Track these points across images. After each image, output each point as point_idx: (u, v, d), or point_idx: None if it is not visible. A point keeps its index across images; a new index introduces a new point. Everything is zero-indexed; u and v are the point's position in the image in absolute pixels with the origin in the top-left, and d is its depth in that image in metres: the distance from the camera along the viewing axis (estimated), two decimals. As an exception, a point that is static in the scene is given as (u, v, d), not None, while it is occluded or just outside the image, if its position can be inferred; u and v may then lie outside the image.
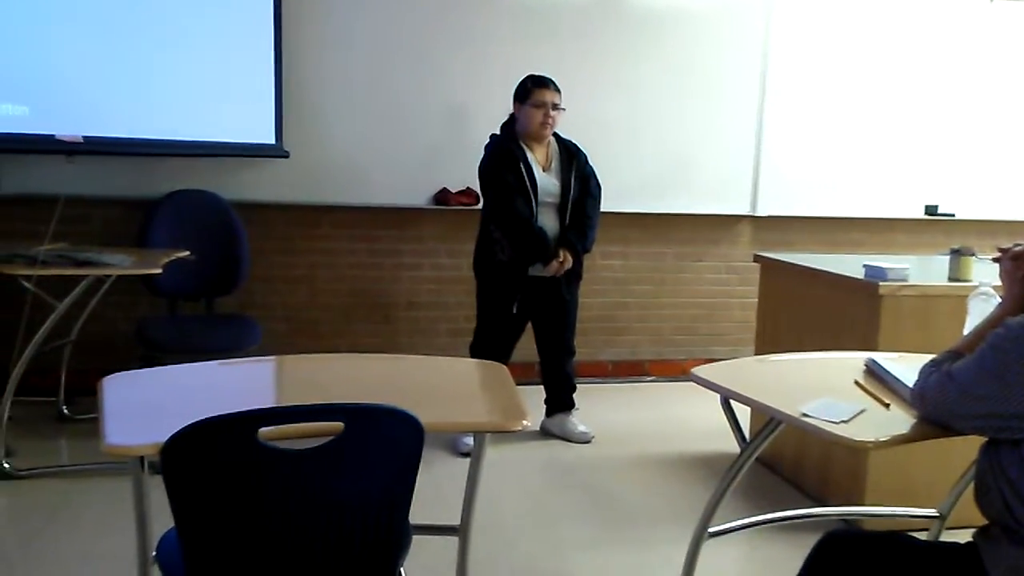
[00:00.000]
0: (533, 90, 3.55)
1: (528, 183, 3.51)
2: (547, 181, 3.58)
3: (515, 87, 3.60)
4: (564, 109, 3.60)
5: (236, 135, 4.03)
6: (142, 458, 1.50)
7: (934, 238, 4.89)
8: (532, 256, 3.55)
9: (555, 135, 3.66)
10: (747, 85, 4.70)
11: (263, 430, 1.37)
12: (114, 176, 4.04)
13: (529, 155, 3.58)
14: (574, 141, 3.70)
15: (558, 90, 3.58)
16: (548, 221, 3.58)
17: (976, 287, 2.07)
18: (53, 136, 3.67)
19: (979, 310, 1.97)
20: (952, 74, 4.91)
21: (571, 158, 3.63)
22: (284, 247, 4.35)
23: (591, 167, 3.69)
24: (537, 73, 3.62)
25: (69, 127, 3.69)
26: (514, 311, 3.59)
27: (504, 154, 3.55)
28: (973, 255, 3.00)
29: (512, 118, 3.64)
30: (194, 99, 3.93)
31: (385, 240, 4.47)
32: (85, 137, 3.71)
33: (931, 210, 4.97)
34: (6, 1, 3.61)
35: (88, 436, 3.40)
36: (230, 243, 4.00)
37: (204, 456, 1.36)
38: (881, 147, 4.88)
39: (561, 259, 3.55)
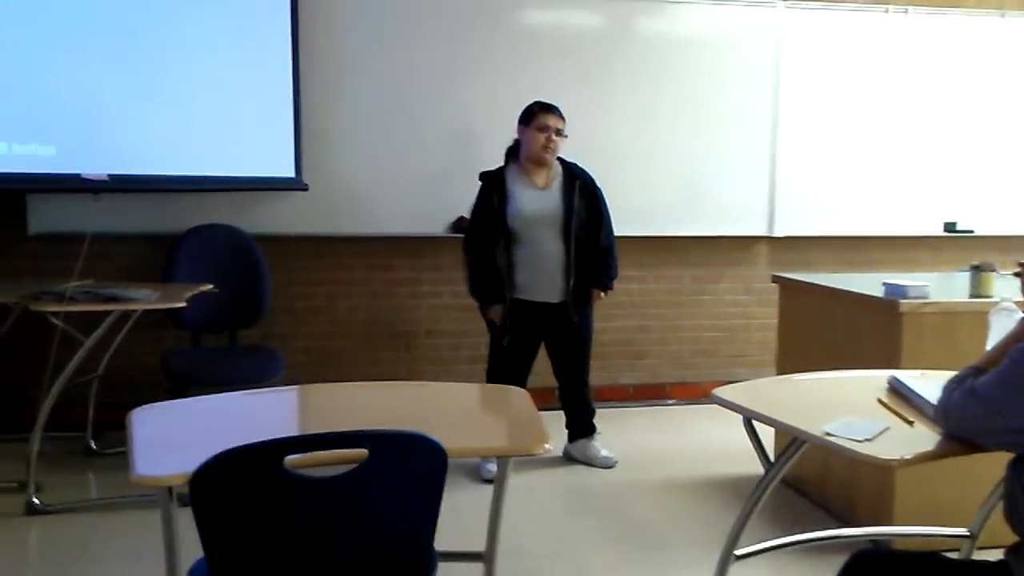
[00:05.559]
0: (538, 113, 3.60)
1: (506, 210, 3.55)
2: (545, 201, 3.60)
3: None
4: (567, 136, 3.64)
5: (256, 169, 4.10)
6: (170, 488, 1.52)
7: (954, 255, 4.85)
8: (478, 295, 3.64)
9: (561, 160, 3.69)
10: (760, 105, 4.71)
11: (289, 458, 1.39)
12: (138, 213, 4.12)
13: (522, 179, 3.62)
14: (582, 165, 3.71)
15: (562, 117, 3.62)
16: (551, 243, 3.59)
17: (998, 303, 2.07)
18: (79, 175, 3.74)
19: (1001, 325, 1.96)
20: (967, 90, 4.90)
21: (574, 179, 3.64)
22: (305, 278, 4.40)
23: (599, 189, 3.71)
24: (547, 100, 3.66)
25: (95, 166, 3.76)
26: (505, 328, 3.60)
27: (486, 188, 3.63)
28: (994, 271, 2.98)
29: (516, 143, 3.68)
30: (215, 136, 4.01)
31: (403, 268, 4.52)
32: (110, 175, 3.78)
33: (950, 227, 4.94)
34: (33, 47, 3.71)
35: (116, 470, 3.45)
36: (252, 276, 4.05)
37: (232, 485, 1.38)
38: (898, 165, 4.87)
39: (502, 314, 3.61)
